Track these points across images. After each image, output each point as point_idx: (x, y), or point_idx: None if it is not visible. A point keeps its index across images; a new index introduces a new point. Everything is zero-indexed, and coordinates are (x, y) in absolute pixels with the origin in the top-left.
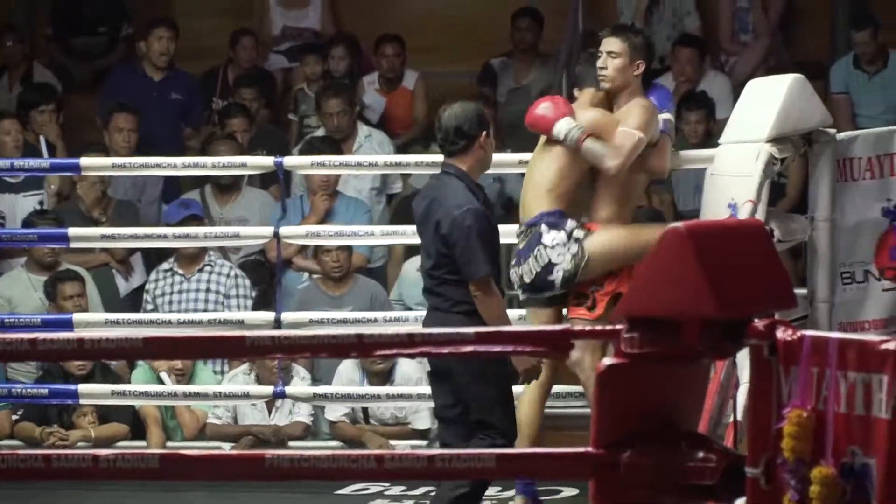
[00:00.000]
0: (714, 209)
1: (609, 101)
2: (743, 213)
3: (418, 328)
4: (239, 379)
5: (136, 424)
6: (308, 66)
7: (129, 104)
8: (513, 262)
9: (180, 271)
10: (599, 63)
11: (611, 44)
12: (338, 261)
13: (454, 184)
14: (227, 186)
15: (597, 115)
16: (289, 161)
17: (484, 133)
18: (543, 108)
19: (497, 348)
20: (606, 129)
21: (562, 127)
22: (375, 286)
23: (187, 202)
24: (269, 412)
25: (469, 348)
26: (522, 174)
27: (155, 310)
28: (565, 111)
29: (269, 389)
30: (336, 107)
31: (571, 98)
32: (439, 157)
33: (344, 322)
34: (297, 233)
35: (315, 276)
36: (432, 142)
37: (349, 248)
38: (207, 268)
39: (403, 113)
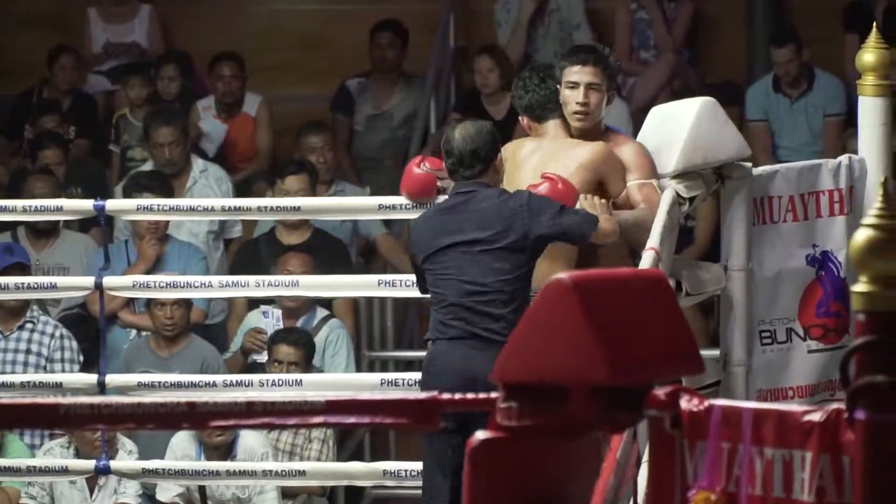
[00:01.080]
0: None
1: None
2: (644, 263)
3: (261, 395)
4: (56, 452)
5: None
6: (132, 89)
7: None
8: None
9: None
10: (578, 98)
11: (590, 73)
12: (172, 317)
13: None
14: (44, 230)
15: (603, 157)
16: (112, 205)
17: (498, 156)
18: (546, 191)
19: (352, 420)
20: (612, 174)
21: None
22: (210, 351)
23: (12, 247)
24: (91, 491)
25: (319, 419)
26: (381, 220)
27: None
28: (573, 190)
29: (90, 464)
30: (167, 136)
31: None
32: (291, 201)
33: (178, 386)
34: (122, 283)
35: (145, 332)
36: (278, 178)
37: (188, 303)
38: (29, 325)
39: (244, 143)
